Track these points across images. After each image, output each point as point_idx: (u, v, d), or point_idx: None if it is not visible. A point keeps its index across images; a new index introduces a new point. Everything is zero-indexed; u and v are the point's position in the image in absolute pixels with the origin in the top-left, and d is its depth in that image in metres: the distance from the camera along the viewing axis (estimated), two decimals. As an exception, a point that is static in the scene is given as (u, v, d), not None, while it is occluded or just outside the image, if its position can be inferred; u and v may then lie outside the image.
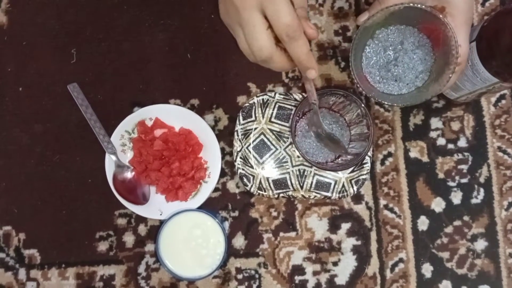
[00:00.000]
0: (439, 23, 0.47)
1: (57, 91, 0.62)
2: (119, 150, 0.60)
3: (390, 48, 0.52)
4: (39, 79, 0.63)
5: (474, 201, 0.61)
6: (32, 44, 0.63)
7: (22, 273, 0.61)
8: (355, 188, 0.59)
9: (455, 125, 0.62)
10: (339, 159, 0.58)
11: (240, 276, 0.60)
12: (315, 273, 0.60)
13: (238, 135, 0.60)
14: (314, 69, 0.44)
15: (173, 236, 0.57)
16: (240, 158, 0.60)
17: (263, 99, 0.60)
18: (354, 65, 0.50)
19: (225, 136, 0.62)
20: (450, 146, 0.62)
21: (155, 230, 0.61)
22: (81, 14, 0.63)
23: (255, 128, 0.60)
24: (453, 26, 0.47)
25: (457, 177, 0.61)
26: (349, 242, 0.61)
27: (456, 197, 0.61)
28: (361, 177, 0.59)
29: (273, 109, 0.60)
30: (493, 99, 0.62)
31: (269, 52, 0.43)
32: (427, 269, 0.60)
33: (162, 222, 0.58)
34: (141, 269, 0.61)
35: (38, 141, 0.62)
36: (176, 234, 0.57)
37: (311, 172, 0.59)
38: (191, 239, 0.57)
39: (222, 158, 0.61)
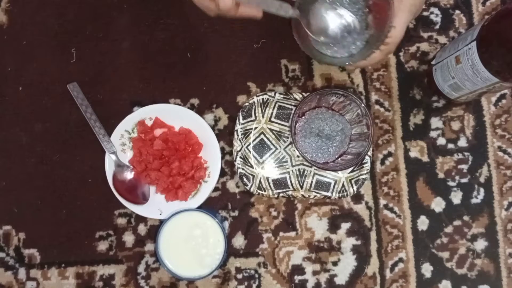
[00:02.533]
0: (384, 1, 0.47)
1: (57, 90, 0.62)
2: (119, 150, 0.60)
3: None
4: (39, 78, 0.63)
5: (474, 201, 0.61)
6: (32, 44, 0.63)
7: (22, 272, 0.61)
8: (355, 187, 0.59)
9: (455, 125, 0.62)
10: (339, 159, 0.58)
11: (239, 276, 0.60)
12: (314, 272, 0.60)
13: (238, 135, 0.60)
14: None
15: (172, 235, 0.57)
16: (240, 157, 0.59)
17: (263, 99, 0.60)
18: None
19: (225, 135, 0.62)
20: (450, 145, 0.62)
21: (155, 230, 0.61)
22: (81, 13, 0.63)
23: (255, 128, 0.60)
24: (396, 6, 0.47)
25: (457, 177, 0.61)
26: (349, 242, 0.61)
27: (456, 197, 0.61)
28: (361, 177, 0.59)
29: (273, 109, 0.60)
30: (494, 99, 0.62)
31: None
32: (427, 269, 0.60)
33: (162, 222, 0.58)
34: (141, 268, 0.61)
35: (38, 140, 0.62)
36: (176, 234, 0.57)
37: (311, 171, 0.59)
38: (190, 239, 0.57)
39: (222, 157, 0.61)
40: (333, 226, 0.61)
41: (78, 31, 0.63)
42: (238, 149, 0.60)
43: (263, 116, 0.60)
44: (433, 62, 0.59)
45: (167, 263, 0.57)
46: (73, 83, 0.61)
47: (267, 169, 0.59)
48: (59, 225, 0.61)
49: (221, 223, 0.56)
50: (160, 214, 0.59)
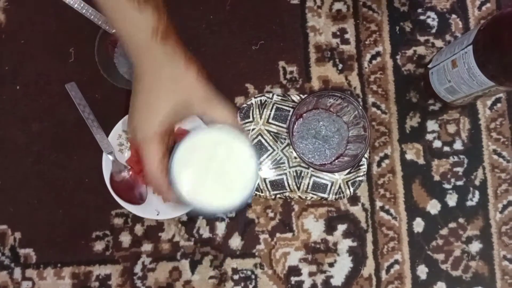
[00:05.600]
0: None
1: (54, 90, 0.62)
2: (117, 150, 0.60)
3: None
4: (37, 77, 0.63)
5: (469, 203, 0.62)
6: (30, 43, 0.63)
7: (17, 272, 0.61)
8: (351, 189, 0.59)
9: (451, 128, 0.63)
10: (336, 160, 0.59)
11: (236, 277, 0.60)
12: (311, 274, 0.61)
13: (235, 136, 0.60)
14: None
15: (191, 159, 0.43)
16: (238, 158, 0.60)
17: (261, 100, 0.61)
18: None
19: (222, 136, 0.62)
20: (446, 148, 0.62)
21: (151, 230, 0.61)
22: (79, 13, 0.63)
23: (253, 129, 0.60)
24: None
25: (452, 180, 0.62)
26: (345, 244, 0.61)
27: (452, 200, 0.62)
28: (357, 179, 0.59)
29: (271, 110, 0.60)
30: (489, 102, 0.63)
31: (159, 181, 0.44)
32: (422, 271, 0.61)
33: (174, 147, 0.44)
34: (137, 269, 0.61)
35: (35, 140, 0.62)
36: (194, 157, 0.44)
37: (308, 173, 0.60)
38: (214, 161, 0.44)
39: (220, 158, 0.60)
40: (330, 228, 0.61)
41: (77, 31, 0.63)
42: (236, 150, 0.60)
43: (260, 118, 0.60)
44: (429, 66, 0.59)
45: (187, 195, 0.43)
46: (71, 82, 0.61)
47: (265, 170, 0.60)
48: (56, 225, 0.61)
49: (250, 140, 0.46)
50: (157, 214, 0.59)
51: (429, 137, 0.62)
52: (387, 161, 0.62)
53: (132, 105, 0.44)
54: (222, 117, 0.45)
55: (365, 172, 0.59)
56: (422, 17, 0.64)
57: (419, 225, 0.61)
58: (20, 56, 0.63)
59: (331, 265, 0.61)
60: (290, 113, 0.60)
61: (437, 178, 0.62)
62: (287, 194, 0.59)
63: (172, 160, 0.43)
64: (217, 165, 0.44)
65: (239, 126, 0.45)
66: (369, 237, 0.61)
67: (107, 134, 0.59)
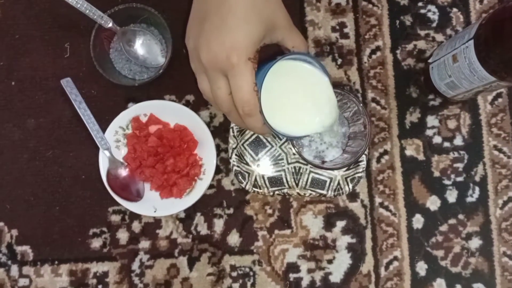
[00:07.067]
0: None
1: (50, 85, 0.61)
2: (113, 146, 0.59)
3: None
4: (32, 73, 0.62)
5: (469, 199, 0.61)
6: (25, 38, 0.62)
7: (14, 269, 0.60)
8: (350, 186, 0.59)
9: (452, 123, 0.62)
10: (336, 158, 0.58)
11: (234, 274, 0.60)
12: (309, 270, 0.60)
13: (233, 132, 0.59)
14: (268, 133, 0.46)
15: (273, 89, 0.44)
16: (236, 155, 0.59)
17: (259, 96, 0.60)
18: None
19: (220, 132, 0.61)
20: (446, 144, 0.62)
21: (149, 227, 0.60)
22: (74, 8, 0.62)
23: (251, 125, 0.59)
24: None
25: (452, 176, 0.61)
26: (344, 240, 0.61)
27: (452, 196, 0.61)
28: (356, 175, 0.59)
29: (269, 106, 0.60)
30: (490, 98, 0.62)
31: (254, 106, 0.43)
32: (422, 267, 0.60)
33: (260, 76, 0.43)
34: (135, 266, 0.60)
35: (30, 136, 0.61)
36: (276, 86, 0.44)
37: (306, 169, 0.59)
38: (291, 90, 0.45)
39: (217, 155, 0.60)
40: (328, 224, 0.61)
41: (72, 26, 0.62)
42: (234, 146, 0.59)
43: (259, 113, 0.60)
44: (430, 60, 0.59)
45: (277, 125, 0.45)
46: (66, 78, 0.60)
47: (263, 167, 0.59)
48: (52, 222, 0.61)
49: (319, 64, 0.44)
50: (155, 211, 0.59)
51: (429, 132, 0.62)
52: (386, 157, 0.62)
53: (212, 25, 0.42)
54: (298, 45, 0.45)
55: (364, 168, 0.59)
56: (422, 11, 0.63)
57: (418, 221, 0.61)
58: (15, 51, 0.62)
59: (329, 261, 0.60)
60: (289, 109, 0.59)
61: (437, 174, 0.61)
62: (285, 190, 0.59)
63: (261, 89, 0.43)
64: (294, 94, 0.45)
65: (310, 54, 0.45)
66: (368, 233, 0.61)
67: (104, 130, 0.59)
